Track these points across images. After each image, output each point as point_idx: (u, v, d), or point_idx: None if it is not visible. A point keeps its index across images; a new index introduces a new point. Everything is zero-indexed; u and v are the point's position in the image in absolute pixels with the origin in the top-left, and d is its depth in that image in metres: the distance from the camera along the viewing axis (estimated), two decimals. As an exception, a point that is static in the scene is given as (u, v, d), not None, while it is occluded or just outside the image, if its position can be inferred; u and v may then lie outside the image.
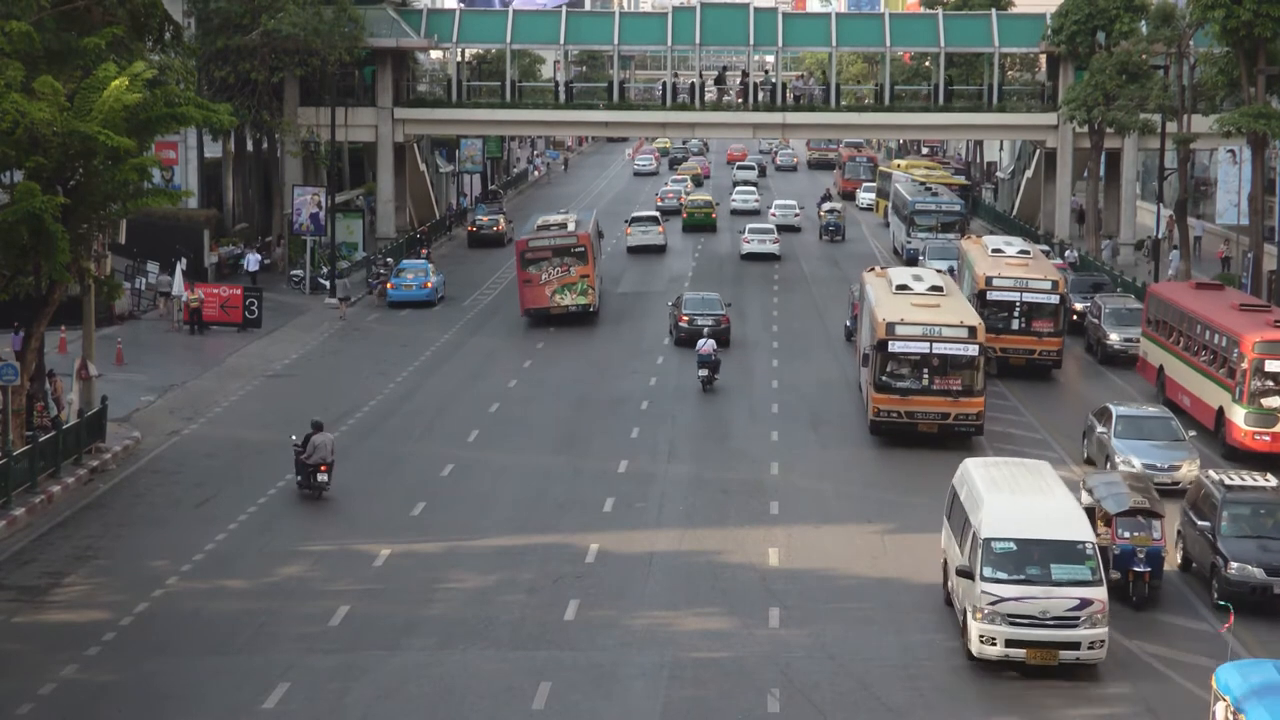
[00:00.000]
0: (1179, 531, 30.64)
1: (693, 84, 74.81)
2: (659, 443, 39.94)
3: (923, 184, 76.21)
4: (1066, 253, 68.16)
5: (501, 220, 79.67)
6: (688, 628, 27.16)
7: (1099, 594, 24.89)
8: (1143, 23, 65.82)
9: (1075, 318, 52.46)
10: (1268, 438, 37.44)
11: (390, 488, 35.60)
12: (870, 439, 39.96)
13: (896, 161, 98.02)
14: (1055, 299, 47.41)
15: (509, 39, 74.43)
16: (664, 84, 76.02)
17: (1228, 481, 30.12)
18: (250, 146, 71.41)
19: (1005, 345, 46.57)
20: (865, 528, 32.96)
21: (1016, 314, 47.34)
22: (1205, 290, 45.11)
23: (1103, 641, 24.86)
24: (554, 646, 26.08)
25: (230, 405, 43.53)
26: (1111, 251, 70.50)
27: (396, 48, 72.48)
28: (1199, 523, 29.60)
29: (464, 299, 62.07)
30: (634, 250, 75.27)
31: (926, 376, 38.88)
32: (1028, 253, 51.81)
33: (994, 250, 51.34)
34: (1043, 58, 78.37)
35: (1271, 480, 30.31)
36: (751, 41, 74.92)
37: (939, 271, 47.99)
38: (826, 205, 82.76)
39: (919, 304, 40.69)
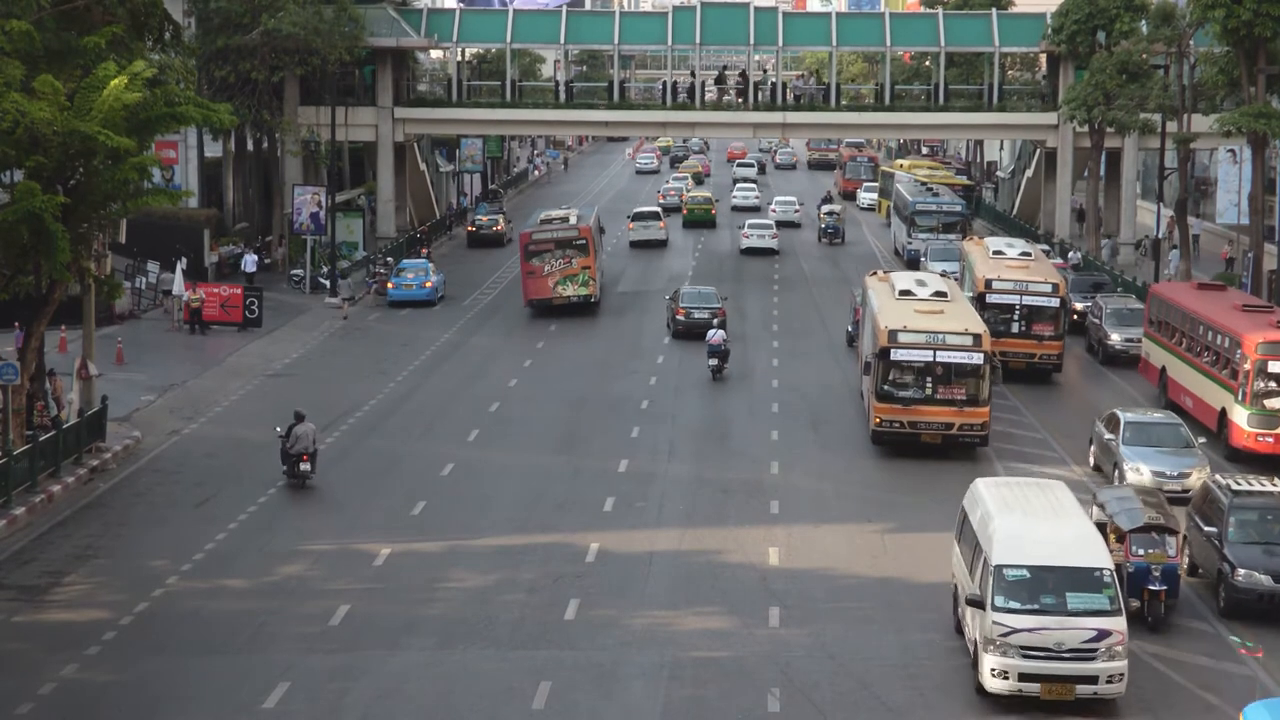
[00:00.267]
0: (1184, 537, 30.14)
1: (692, 84, 74.85)
2: (659, 442, 39.92)
3: (924, 184, 76.13)
4: (1070, 254, 68.04)
5: (501, 220, 79.81)
6: (688, 627, 27.14)
7: (1118, 624, 23.60)
8: (1143, 22, 65.79)
9: (1075, 318, 52.30)
10: (1271, 439, 37.17)
11: (390, 487, 35.59)
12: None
13: (899, 161, 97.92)
14: (1055, 302, 46.77)
15: (509, 39, 74.42)
16: (664, 83, 76.04)
17: (1235, 486, 29.46)
18: (250, 146, 71.38)
19: (1005, 349, 45.19)
20: (865, 527, 32.93)
21: (1016, 317, 46.67)
22: (1207, 291, 44.86)
23: (1122, 675, 23.56)
24: (554, 646, 26.06)
25: (230, 405, 43.51)
26: (1111, 251, 70.45)
27: (397, 47, 72.47)
28: (1205, 528, 28.98)
29: (464, 298, 62.07)
30: (636, 245, 76.24)
31: (930, 386, 37.73)
32: (1029, 255, 51.33)
33: (995, 252, 50.94)
34: (1043, 57, 78.35)
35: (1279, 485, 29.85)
36: (752, 41, 74.92)
37: (943, 276, 47.15)
38: (826, 207, 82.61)
39: (922, 310, 39.62)
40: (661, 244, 76.99)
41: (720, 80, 79.01)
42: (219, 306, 53.73)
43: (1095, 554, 24.46)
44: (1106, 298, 52.84)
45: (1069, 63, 71.64)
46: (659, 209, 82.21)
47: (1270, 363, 37.30)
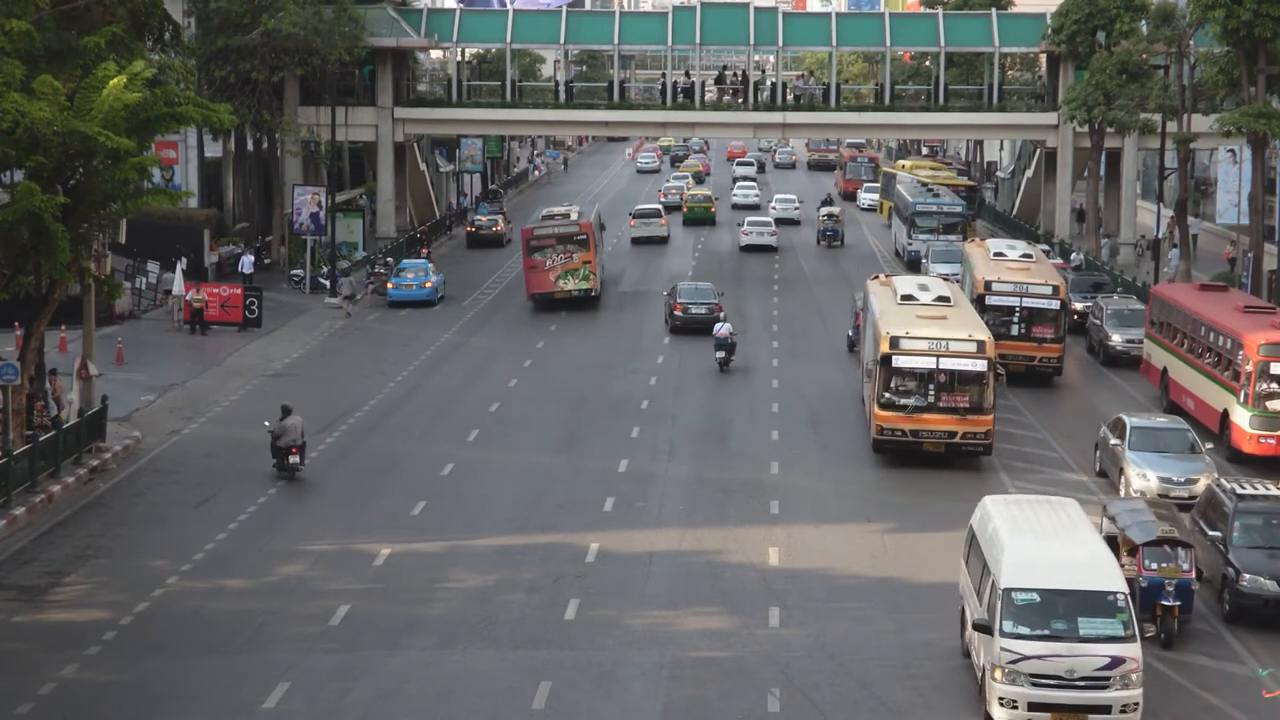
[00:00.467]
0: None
1: (692, 84, 74.87)
2: (659, 442, 39.90)
3: (924, 185, 76.07)
4: (1072, 255, 67.94)
5: (501, 220, 79.90)
6: (688, 627, 27.12)
7: (1132, 651, 22.39)
8: (1143, 22, 65.81)
9: (1076, 318, 52.16)
10: (1273, 441, 37.01)
11: (390, 487, 35.58)
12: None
13: (901, 162, 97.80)
14: (1055, 304, 46.31)
15: (509, 39, 74.43)
16: (663, 83, 76.07)
17: (1239, 490, 29.11)
18: (250, 146, 71.39)
19: (1004, 352, 43.67)
20: (865, 527, 32.91)
21: (1016, 319, 46.25)
22: (1209, 292, 44.66)
23: (1137, 704, 22.41)
24: (554, 646, 26.05)
25: (230, 405, 43.50)
26: (1111, 251, 70.44)
27: (396, 47, 72.48)
28: (1210, 533, 28.69)
29: (464, 298, 62.08)
30: (638, 241, 76.89)
31: (932, 393, 36.79)
32: (1030, 256, 50.90)
33: (996, 254, 50.53)
34: (1043, 57, 78.33)
35: None
36: (752, 41, 74.89)
37: (946, 279, 46.62)
38: (825, 210, 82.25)
39: (925, 316, 38.81)
40: (663, 240, 77.73)
41: (720, 80, 79.04)
42: (219, 306, 53.78)
43: (1109, 577, 23.27)
44: (1107, 298, 52.67)
45: (1069, 63, 71.64)
46: (660, 207, 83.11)
47: (1272, 364, 37.08)
